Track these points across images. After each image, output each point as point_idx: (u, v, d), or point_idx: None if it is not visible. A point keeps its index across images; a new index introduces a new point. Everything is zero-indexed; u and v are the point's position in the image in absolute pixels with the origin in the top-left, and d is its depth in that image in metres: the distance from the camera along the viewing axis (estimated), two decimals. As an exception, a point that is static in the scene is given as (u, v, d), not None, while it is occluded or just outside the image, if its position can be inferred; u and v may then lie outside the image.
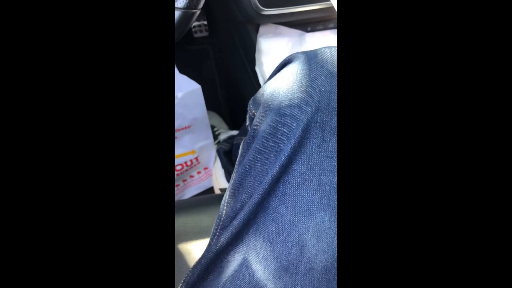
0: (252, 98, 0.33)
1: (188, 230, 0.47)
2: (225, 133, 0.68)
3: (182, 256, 0.45)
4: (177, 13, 0.33)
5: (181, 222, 0.48)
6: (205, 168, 0.67)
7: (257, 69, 0.54)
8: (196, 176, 0.67)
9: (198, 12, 0.34)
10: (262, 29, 0.52)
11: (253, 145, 0.28)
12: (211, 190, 0.69)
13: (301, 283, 0.26)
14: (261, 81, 0.54)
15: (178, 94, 0.51)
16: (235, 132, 0.66)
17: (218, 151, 0.60)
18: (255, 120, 0.29)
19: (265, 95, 0.30)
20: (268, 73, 0.53)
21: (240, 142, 0.51)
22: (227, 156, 0.57)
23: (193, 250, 0.44)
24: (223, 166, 0.59)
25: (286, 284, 0.26)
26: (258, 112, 0.30)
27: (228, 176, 0.60)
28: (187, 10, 0.33)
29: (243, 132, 0.51)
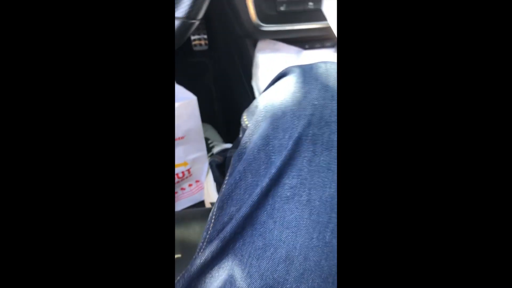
0: (246, 110, 0.32)
1: (176, 244, 0.46)
2: (219, 146, 0.67)
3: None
4: (176, 22, 0.33)
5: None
6: (197, 181, 0.66)
7: (253, 83, 0.55)
8: (188, 188, 0.66)
9: (197, 23, 0.34)
10: (260, 44, 0.53)
11: (244, 157, 0.28)
12: (202, 203, 0.68)
13: None
14: (257, 95, 0.54)
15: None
16: (229, 145, 0.66)
17: (210, 164, 0.59)
18: (247, 131, 0.29)
19: (259, 106, 0.29)
20: (264, 88, 0.53)
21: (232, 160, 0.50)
22: (220, 169, 0.56)
23: (178, 265, 0.43)
24: (215, 180, 0.58)
25: (270, 304, 0.25)
26: (251, 124, 0.29)
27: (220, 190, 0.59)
28: (186, 20, 0.33)
29: (237, 144, 0.51)
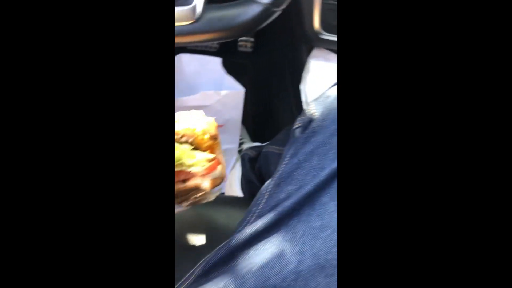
0: (313, 100, 0.34)
1: (201, 225, 0.46)
2: (248, 143, 0.68)
3: (189, 249, 0.43)
4: (259, 8, 0.35)
5: (194, 214, 0.47)
6: (221, 173, 0.67)
7: (301, 87, 0.56)
8: (210, 178, 0.66)
9: (278, 12, 0.36)
10: (315, 51, 0.55)
11: (313, 139, 0.29)
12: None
13: (335, 286, 0.25)
14: (303, 98, 0.55)
15: (222, 92, 0.53)
16: (258, 144, 0.67)
17: (243, 157, 0.60)
18: (317, 118, 0.30)
19: (331, 97, 0.31)
20: (310, 92, 0.55)
21: (271, 151, 0.51)
22: (252, 163, 0.57)
23: (203, 244, 0.43)
24: (244, 173, 0.59)
25: (318, 284, 0.25)
26: (320, 112, 0.30)
27: (245, 185, 0.59)
28: (270, 7, 0.35)
29: (277, 141, 0.52)
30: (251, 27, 0.36)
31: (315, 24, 0.50)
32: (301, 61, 0.56)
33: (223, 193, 0.66)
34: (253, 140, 0.75)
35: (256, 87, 0.84)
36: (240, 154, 0.65)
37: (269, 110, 0.74)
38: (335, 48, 0.54)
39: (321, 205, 0.26)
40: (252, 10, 0.35)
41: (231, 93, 0.53)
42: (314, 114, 0.32)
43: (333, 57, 0.55)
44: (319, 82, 0.54)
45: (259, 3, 0.35)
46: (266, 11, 0.35)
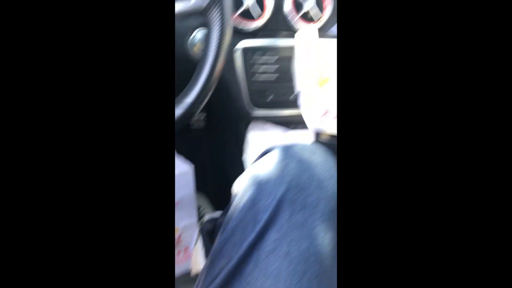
0: (236, 180, 0.39)
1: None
2: (210, 214, 0.71)
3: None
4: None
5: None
6: (186, 248, 0.68)
7: (244, 157, 0.62)
8: (175, 257, 0.67)
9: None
10: (252, 124, 0.62)
11: (234, 217, 0.33)
12: (188, 275, 0.68)
13: None
14: (246, 167, 0.61)
15: (172, 173, 0.57)
16: (216, 215, 0.70)
17: (201, 230, 0.62)
18: (237, 196, 0.35)
19: (247, 176, 0.36)
20: (252, 161, 0.60)
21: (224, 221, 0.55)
22: (210, 236, 0.60)
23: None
24: (204, 245, 0.61)
25: None
26: (240, 191, 0.35)
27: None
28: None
29: (226, 211, 0.56)
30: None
31: (246, 103, 0.57)
32: (242, 135, 0.62)
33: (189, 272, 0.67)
34: (216, 209, 0.78)
35: (213, 157, 0.89)
36: (200, 226, 0.67)
37: (225, 179, 0.79)
38: (269, 120, 0.62)
39: (247, 275, 0.30)
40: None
41: (179, 174, 0.58)
42: (236, 193, 0.37)
43: (269, 126, 0.63)
44: (259, 150, 0.60)
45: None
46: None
